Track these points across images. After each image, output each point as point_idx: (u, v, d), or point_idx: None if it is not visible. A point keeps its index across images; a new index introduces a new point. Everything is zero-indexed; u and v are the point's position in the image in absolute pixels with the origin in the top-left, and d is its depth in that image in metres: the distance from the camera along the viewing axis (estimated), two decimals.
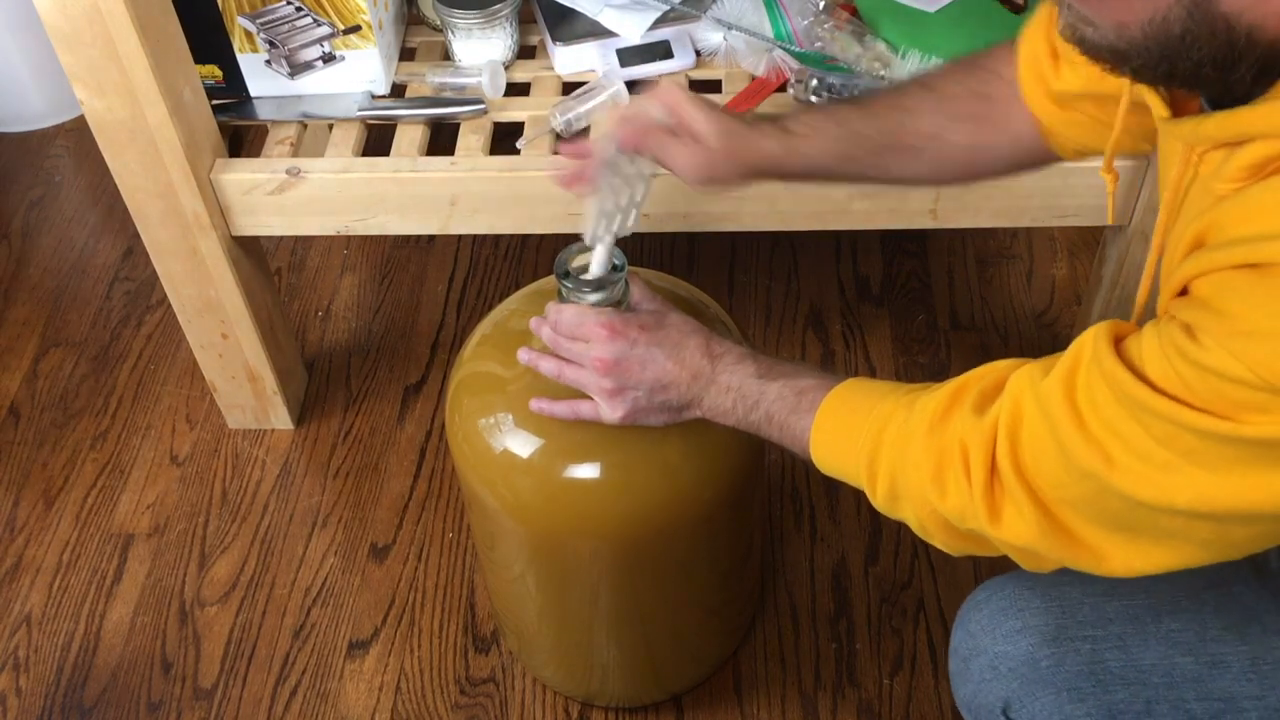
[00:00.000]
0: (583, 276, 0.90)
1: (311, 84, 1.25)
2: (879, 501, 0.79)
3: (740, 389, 0.86)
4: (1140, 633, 0.80)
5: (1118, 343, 0.66)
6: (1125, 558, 0.69)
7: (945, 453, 0.73)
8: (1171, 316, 0.64)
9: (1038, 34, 0.86)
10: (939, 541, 0.78)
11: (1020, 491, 0.70)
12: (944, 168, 0.92)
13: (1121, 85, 0.78)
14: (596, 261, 0.89)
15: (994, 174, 0.94)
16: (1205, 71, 0.59)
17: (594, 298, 0.89)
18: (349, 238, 1.65)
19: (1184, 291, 0.64)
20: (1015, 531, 0.71)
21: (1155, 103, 0.68)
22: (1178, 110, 0.68)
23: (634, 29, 1.26)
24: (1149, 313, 0.70)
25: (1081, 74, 0.82)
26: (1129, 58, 0.61)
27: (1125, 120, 0.78)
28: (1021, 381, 0.71)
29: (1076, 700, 0.79)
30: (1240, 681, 0.78)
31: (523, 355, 0.92)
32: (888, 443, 0.77)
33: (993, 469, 0.71)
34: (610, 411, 0.89)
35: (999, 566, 1.28)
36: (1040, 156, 0.90)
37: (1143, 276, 0.76)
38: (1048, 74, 0.85)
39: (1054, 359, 0.71)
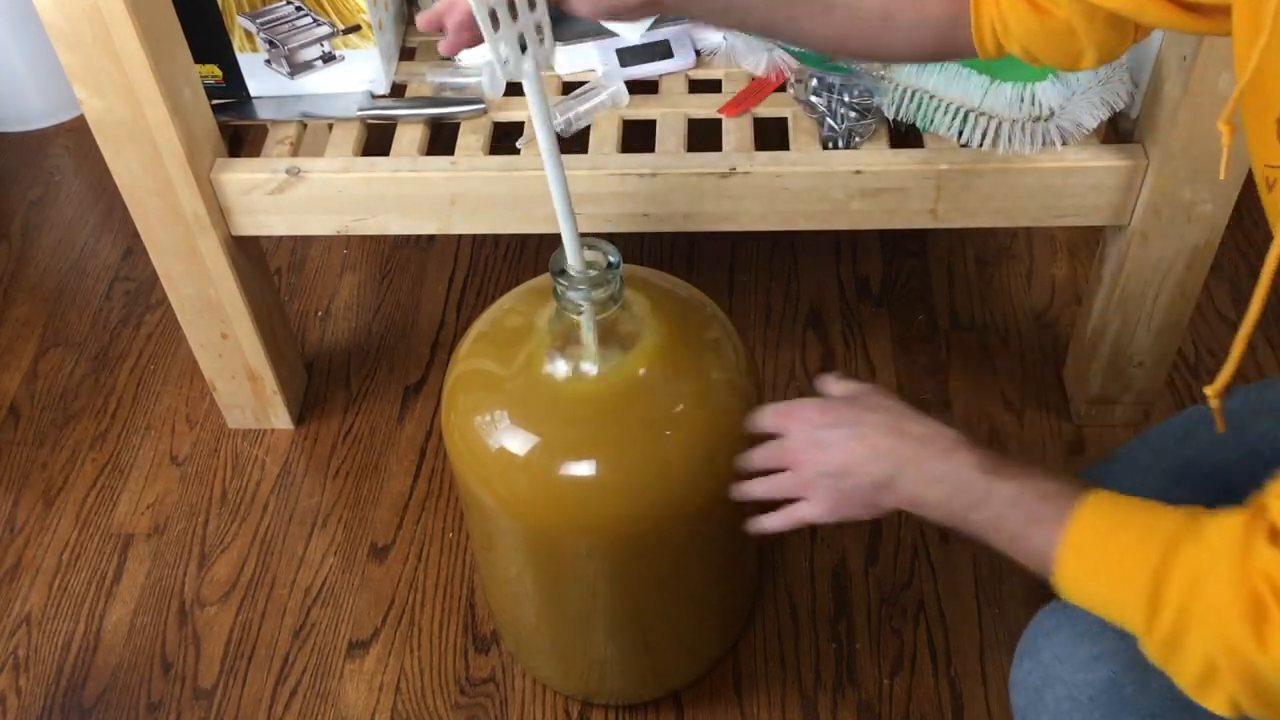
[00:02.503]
0: (575, 274, 0.90)
1: (311, 84, 1.25)
2: (1155, 642, 0.66)
3: (960, 484, 0.77)
4: None
5: None
6: None
7: (1259, 595, 0.61)
8: None
9: None
10: (1224, 696, 0.64)
11: None
12: (852, 33, 0.87)
13: None
14: (535, 107, 0.82)
15: (902, 54, 0.90)
16: None
17: (591, 295, 0.89)
18: (349, 238, 1.65)
19: None
20: None
21: None
22: None
23: (634, 29, 1.26)
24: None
25: None
26: None
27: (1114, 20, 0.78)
28: None
29: None
30: None
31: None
32: (1177, 576, 0.65)
33: None
34: (810, 509, 0.83)
35: (1001, 568, 1.27)
36: (952, 48, 0.87)
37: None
38: None
39: None
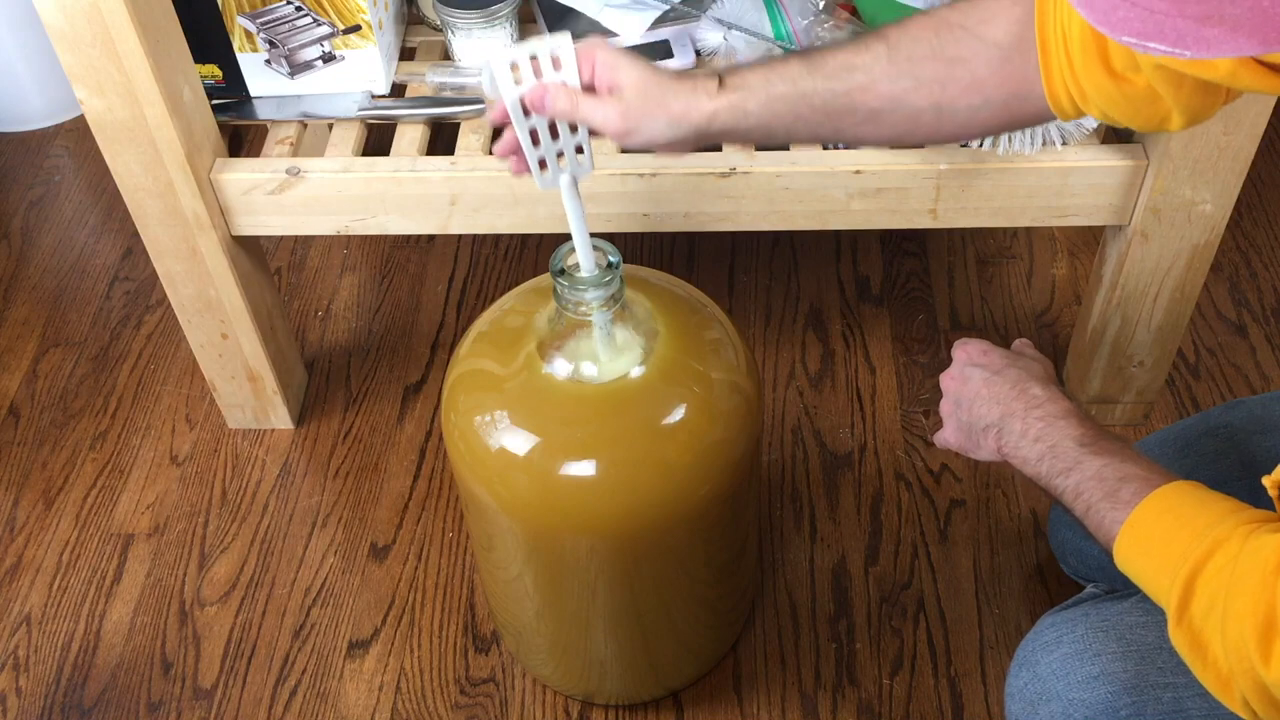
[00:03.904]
0: (576, 274, 0.90)
1: (311, 84, 1.25)
2: (1180, 632, 0.69)
3: (1055, 448, 0.82)
4: None
5: None
6: None
7: (1274, 613, 0.64)
8: None
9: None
10: (1239, 697, 0.67)
11: None
12: (907, 130, 0.86)
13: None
14: (572, 216, 0.86)
15: (967, 136, 0.88)
16: None
17: (589, 295, 0.89)
18: (349, 238, 1.65)
19: None
20: None
21: None
22: None
23: (634, 29, 1.26)
24: None
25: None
26: None
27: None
28: None
29: None
30: None
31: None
32: (1212, 571, 0.68)
33: None
34: (942, 432, 0.93)
35: (1001, 567, 1.27)
36: (1023, 119, 0.84)
37: None
38: (1110, 52, 0.77)
39: None
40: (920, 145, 0.90)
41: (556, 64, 0.82)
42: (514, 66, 0.81)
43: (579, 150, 0.85)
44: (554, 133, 0.84)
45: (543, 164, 0.85)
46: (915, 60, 0.82)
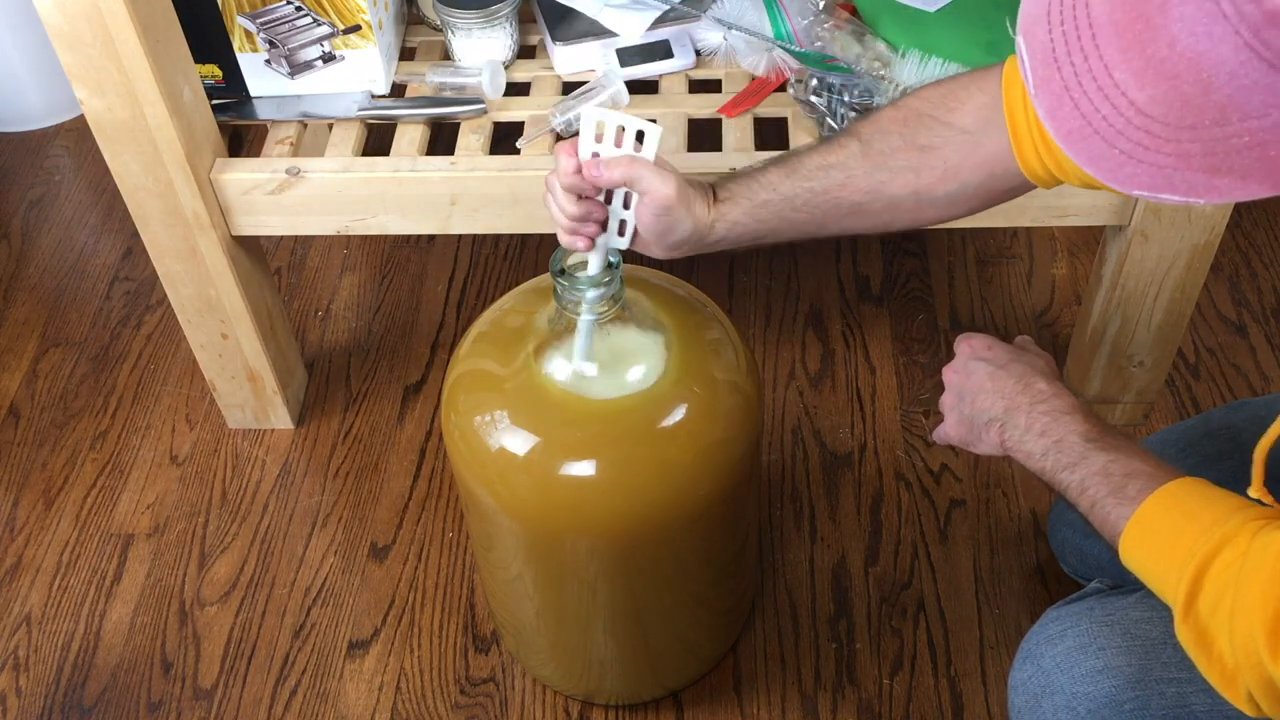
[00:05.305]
0: (577, 274, 0.90)
1: (311, 84, 1.25)
2: (1187, 628, 0.69)
3: (1061, 442, 0.82)
4: None
5: None
6: None
7: None
8: None
9: None
10: (1244, 693, 0.67)
11: None
12: (892, 219, 0.88)
13: None
14: (594, 262, 0.90)
15: (950, 218, 0.90)
16: None
17: (589, 295, 0.89)
18: (349, 238, 1.65)
19: None
20: None
21: None
22: None
23: (634, 29, 1.26)
24: None
25: None
26: None
27: None
28: None
29: None
30: None
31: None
32: (1220, 567, 0.68)
33: None
34: (943, 426, 0.92)
35: (1001, 567, 1.27)
36: (1003, 196, 0.86)
37: None
38: None
39: None
40: (905, 230, 0.93)
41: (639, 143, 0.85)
42: (599, 128, 0.85)
43: (620, 230, 0.89)
44: (608, 198, 0.88)
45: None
46: (888, 152, 0.85)
